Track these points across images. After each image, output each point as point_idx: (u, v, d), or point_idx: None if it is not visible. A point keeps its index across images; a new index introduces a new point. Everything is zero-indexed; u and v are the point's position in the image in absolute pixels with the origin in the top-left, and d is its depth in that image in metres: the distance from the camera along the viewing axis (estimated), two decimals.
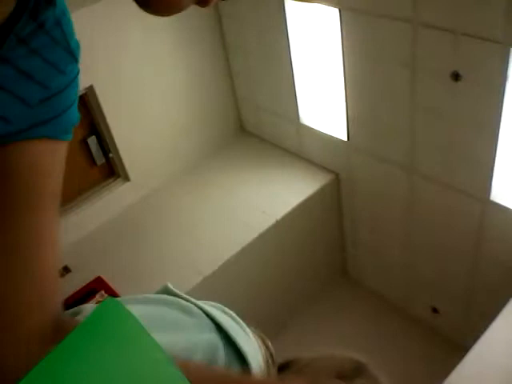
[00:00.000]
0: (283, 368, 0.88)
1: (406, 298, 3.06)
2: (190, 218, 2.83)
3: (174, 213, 2.89)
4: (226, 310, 0.78)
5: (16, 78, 0.57)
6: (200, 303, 0.74)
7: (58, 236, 0.60)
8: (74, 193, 2.80)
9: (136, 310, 0.68)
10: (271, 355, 0.83)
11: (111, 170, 2.92)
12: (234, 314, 0.78)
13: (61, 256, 0.61)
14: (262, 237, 2.67)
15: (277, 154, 3.12)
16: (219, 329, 0.71)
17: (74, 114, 0.65)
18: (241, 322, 0.77)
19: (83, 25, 2.33)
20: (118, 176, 2.94)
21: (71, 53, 0.62)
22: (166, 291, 0.77)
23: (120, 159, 2.85)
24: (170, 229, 2.77)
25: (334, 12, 2.29)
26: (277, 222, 2.71)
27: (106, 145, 2.80)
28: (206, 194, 2.96)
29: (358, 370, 0.95)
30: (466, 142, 2.13)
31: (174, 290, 0.77)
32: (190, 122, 3.09)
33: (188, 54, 2.90)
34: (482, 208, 2.26)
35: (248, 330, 0.78)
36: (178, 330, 0.67)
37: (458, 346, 2.76)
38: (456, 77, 1.99)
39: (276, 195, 2.85)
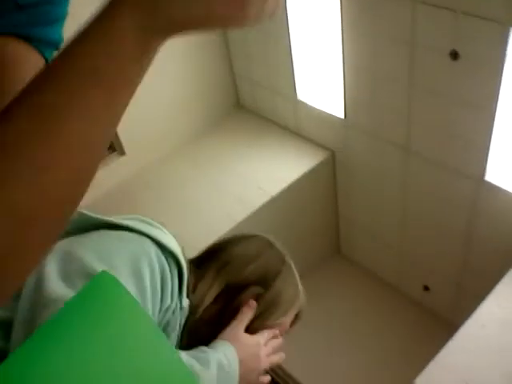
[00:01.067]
0: (205, 259, 0.99)
1: (397, 276, 3.09)
2: (185, 194, 2.83)
3: (169, 188, 2.89)
4: (141, 217, 0.83)
5: None
6: (121, 222, 0.78)
7: None
8: None
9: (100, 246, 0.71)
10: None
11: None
12: (148, 219, 0.83)
13: None
14: (257, 213, 2.67)
15: (273, 131, 3.11)
16: (149, 238, 0.76)
17: (60, 33, 0.70)
18: (155, 223, 0.83)
19: (81, 6, 2.30)
20: (114, 150, 2.93)
21: None
22: (84, 219, 0.79)
23: (115, 133, 2.84)
24: (165, 203, 2.77)
25: None
26: (272, 198, 2.71)
27: None
28: (202, 170, 2.95)
29: (270, 247, 1.04)
30: (463, 121, 2.13)
31: (90, 214, 0.79)
32: (186, 97, 3.07)
33: None
34: (476, 188, 2.27)
35: (164, 229, 0.83)
36: (137, 257, 0.71)
37: (448, 323, 2.79)
38: (454, 55, 1.97)
39: (271, 171, 2.84)
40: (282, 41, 2.69)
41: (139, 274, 0.67)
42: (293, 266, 1.10)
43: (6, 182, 0.36)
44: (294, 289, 1.07)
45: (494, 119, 2.02)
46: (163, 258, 0.74)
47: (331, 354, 2.93)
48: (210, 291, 0.92)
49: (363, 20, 2.24)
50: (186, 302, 0.83)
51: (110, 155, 2.93)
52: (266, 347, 0.91)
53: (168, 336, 0.79)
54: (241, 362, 0.84)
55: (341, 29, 2.34)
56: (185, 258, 0.88)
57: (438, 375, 1.79)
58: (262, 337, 0.92)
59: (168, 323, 0.77)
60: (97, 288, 0.46)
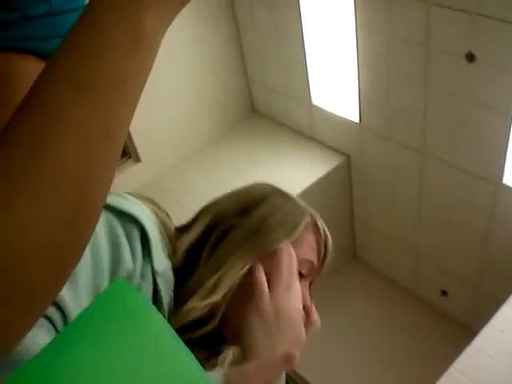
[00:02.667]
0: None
1: (415, 281, 3.06)
2: (200, 199, 2.83)
3: (184, 193, 2.90)
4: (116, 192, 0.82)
5: None
6: None
7: None
8: None
9: None
10: (165, 213, 0.88)
11: (122, 150, 2.93)
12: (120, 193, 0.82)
13: None
14: None
15: (288, 136, 3.11)
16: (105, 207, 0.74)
17: None
18: (122, 194, 0.81)
19: None
20: (129, 157, 2.95)
21: None
22: None
23: (131, 140, 2.85)
24: (180, 209, 2.77)
25: None
26: None
27: None
28: (217, 175, 2.96)
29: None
30: (479, 124, 2.11)
31: None
32: (201, 103, 3.08)
33: (200, 35, 2.88)
34: (494, 191, 2.25)
35: (130, 197, 0.81)
36: None
37: (466, 328, 2.76)
38: (470, 58, 1.96)
39: (287, 177, 2.84)
40: (296, 46, 2.69)
41: None
42: (290, 194, 1.03)
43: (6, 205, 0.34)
44: (293, 207, 0.94)
45: (511, 121, 2.00)
46: (116, 222, 0.73)
47: (347, 358, 2.91)
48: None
49: (377, 24, 2.24)
50: (161, 265, 0.79)
51: (126, 162, 2.95)
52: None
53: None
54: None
55: (355, 33, 2.34)
56: (162, 223, 0.84)
57: (457, 380, 1.77)
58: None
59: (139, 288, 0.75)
60: (113, 294, 0.47)
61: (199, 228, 0.92)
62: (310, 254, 0.93)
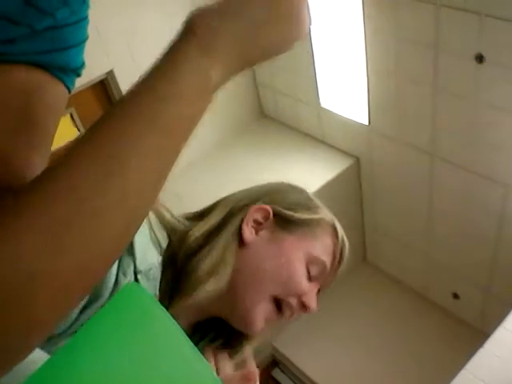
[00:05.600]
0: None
1: (425, 284, 3.05)
2: (209, 203, 2.84)
3: (194, 198, 2.91)
4: None
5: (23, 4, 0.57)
6: None
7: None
8: None
9: None
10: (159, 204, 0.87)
11: None
12: None
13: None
14: None
15: (297, 138, 3.11)
16: None
17: (79, 56, 0.67)
18: None
19: (103, 10, 2.33)
20: None
21: None
22: None
23: None
24: None
25: None
26: None
27: None
28: (227, 179, 2.96)
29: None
30: (489, 126, 2.10)
31: None
32: (210, 108, 3.08)
33: None
34: (504, 193, 2.23)
35: None
36: None
37: (478, 331, 2.74)
38: (480, 59, 1.95)
39: (296, 179, 2.80)
40: (305, 49, 2.69)
41: None
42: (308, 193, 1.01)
43: (66, 226, 0.37)
44: (312, 203, 0.92)
45: None
46: None
47: (357, 360, 2.90)
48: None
49: (386, 24, 2.23)
50: (146, 264, 0.79)
51: None
52: None
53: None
54: None
55: (363, 34, 2.34)
56: (156, 214, 0.85)
57: (469, 382, 1.76)
58: None
59: (117, 282, 0.73)
60: (126, 299, 0.47)
61: (216, 217, 0.90)
62: (324, 256, 0.89)
